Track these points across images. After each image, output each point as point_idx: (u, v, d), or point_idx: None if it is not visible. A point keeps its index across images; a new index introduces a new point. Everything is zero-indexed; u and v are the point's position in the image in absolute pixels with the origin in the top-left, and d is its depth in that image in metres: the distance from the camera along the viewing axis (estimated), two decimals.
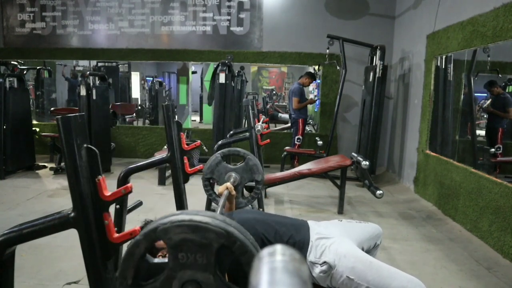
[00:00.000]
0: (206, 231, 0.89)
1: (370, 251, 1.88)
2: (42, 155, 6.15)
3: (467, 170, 3.56)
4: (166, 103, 2.39)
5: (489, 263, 2.86)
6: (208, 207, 3.15)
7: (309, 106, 7.08)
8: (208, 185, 2.19)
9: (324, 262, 1.58)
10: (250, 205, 3.12)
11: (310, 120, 7.71)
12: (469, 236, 3.37)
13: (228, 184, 1.91)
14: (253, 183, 2.20)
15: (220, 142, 4.00)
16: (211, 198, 2.21)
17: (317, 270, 1.59)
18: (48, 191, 4.46)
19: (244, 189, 4.28)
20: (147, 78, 10.01)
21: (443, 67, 4.40)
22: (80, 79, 5.43)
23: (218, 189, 1.98)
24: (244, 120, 6.94)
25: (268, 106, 10.68)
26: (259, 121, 4.04)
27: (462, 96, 4.45)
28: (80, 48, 6.50)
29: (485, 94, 4.73)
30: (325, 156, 5.08)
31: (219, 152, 2.21)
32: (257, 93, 11.39)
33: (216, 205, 2.02)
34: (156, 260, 1.02)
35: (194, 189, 4.09)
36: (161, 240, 0.93)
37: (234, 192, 1.92)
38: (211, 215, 0.93)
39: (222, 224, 0.91)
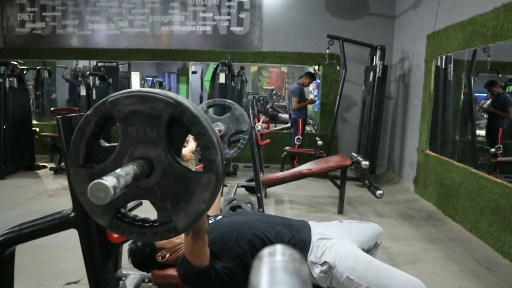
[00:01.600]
0: (154, 101, 0.86)
1: (370, 250, 1.89)
2: (42, 155, 6.15)
3: (467, 170, 3.56)
4: None
5: (489, 263, 2.86)
6: None
7: (309, 106, 7.07)
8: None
9: (325, 262, 1.58)
10: (250, 206, 3.13)
11: (310, 120, 7.71)
12: (469, 236, 3.36)
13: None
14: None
15: None
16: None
17: (317, 270, 1.59)
18: (48, 191, 4.46)
19: (245, 190, 4.30)
20: (147, 78, 10.02)
21: (443, 67, 4.40)
22: (80, 79, 5.43)
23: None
24: None
25: (268, 106, 10.68)
26: (259, 121, 4.04)
27: (462, 96, 4.45)
28: (80, 48, 6.50)
29: (485, 94, 4.73)
30: (325, 156, 5.08)
31: (205, 102, 2.20)
32: (257, 93, 11.37)
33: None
34: (109, 144, 0.97)
35: None
36: (111, 112, 0.89)
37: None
38: (161, 90, 0.90)
39: (171, 94, 0.88)
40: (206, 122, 0.88)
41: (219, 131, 2.02)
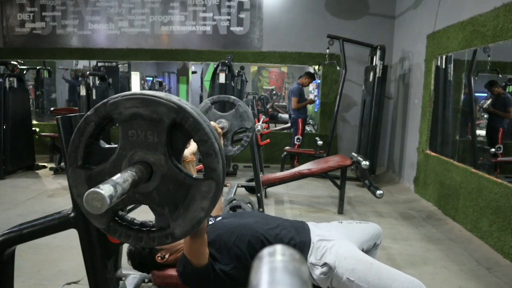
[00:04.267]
0: (157, 105, 0.85)
1: (370, 251, 1.88)
2: (42, 155, 6.15)
3: (467, 170, 3.56)
4: None
5: (489, 263, 2.85)
6: None
7: (309, 106, 7.07)
8: None
9: (325, 264, 1.58)
10: (250, 206, 3.13)
11: (310, 120, 7.70)
12: (469, 236, 3.36)
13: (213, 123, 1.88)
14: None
15: None
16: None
17: (317, 271, 1.59)
18: (48, 191, 4.46)
19: (245, 190, 4.30)
20: (147, 78, 10.01)
21: (443, 67, 4.40)
22: (80, 79, 5.44)
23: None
24: None
25: (268, 106, 10.67)
26: (259, 121, 4.04)
27: (462, 96, 4.45)
28: (80, 48, 6.50)
29: (485, 94, 4.72)
30: (325, 156, 5.08)
31: (209, 98, 2.19)
32: (257, 93, 11.37)
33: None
34: (109, 146, 0.96)
35: None
36: (112, 114, 0.87)
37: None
38: (165, 94, 0.89)
39: (174, 99, 0.86)
40: (209, 128, 0.87)
41: (223, 128, 2.01)
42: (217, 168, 0.86)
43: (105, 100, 0.89)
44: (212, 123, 1.84)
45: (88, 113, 0.90)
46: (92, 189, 0.69)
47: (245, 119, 2.13)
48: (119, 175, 0.77)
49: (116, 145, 0.92)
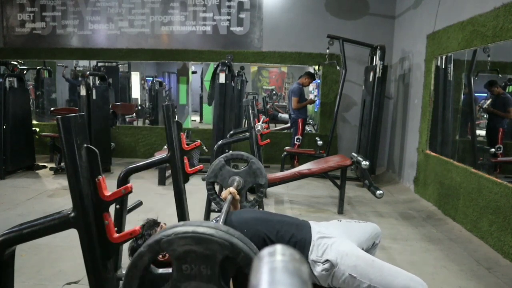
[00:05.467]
0: (209, 243, 0.89)
1: (369, 250, 1.89)
2: (42, 155, 6.15)
3: (467, 170, 3.56)
4: (166, 103, 2.39)
5: (489, 263, 2.86)
6: (208, 208, 3.15)
7: (309, 106, 7.07)
8: (212, 189, 2.17)
9: (326, 261, 1.58)
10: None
11: (310, 120, 7.71)
12: (469, 236, 3.36)
13: (232, 188, 1.91)
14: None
15: (220, 142, 4.00)
16: (215, 202, 2.20)
17: (319, 268, 1.59)
18: (48, 191, 4.46)
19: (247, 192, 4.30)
20: (147, 78, 10.01)
21: (443, 67, 4.40)
22: (80, 79, 5.43)
23: (222, 194, 1.97)
24: (244, 120, 6.94)
25: (268, 106, 10.68)
26: (259, 121, 4.04)
27: (462, 96, 4.45)
28: (80, 48, 6.50)
29: (485, 94, 4.72)
30: (325, 156, 5.08)
31: (222, 156, 2.20)
32: (257, 93, 11.38)
33: (219, 208, 2.01)
34: (161, 270, 1.02)
35: (194, 189, 4.09)
36: (165, 252, 0.92)
37: (238, 197, 1.92)
38: (215, 226, 0.92)
39: (226, 236, 0.90)
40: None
41: (237, 185, 2.03)
42: None
43: (157, 238, 0.92)
44: (232, 189, 1.89)
45: (142, 249, 0.94)
46: None
47: (259, 176, 2.17)
48: None
49: (168, 270, 0.96)
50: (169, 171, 3.69)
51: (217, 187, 2.51)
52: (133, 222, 2.21)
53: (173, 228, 0.92)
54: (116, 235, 1.20)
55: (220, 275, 0.91)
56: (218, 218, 1.56)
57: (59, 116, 1.14)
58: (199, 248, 0.89)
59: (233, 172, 2.16)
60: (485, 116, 4.92)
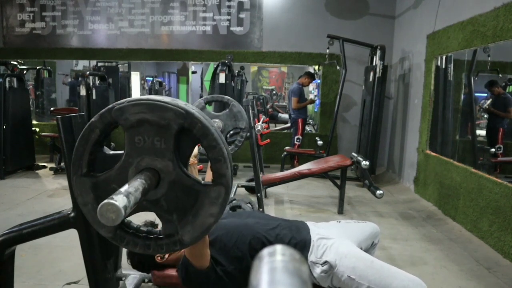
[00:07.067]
0: (164, 110, 0.83)
1: (368, 250, 1.89)
2: (42, 155, 6.15)
3: (467, 170, 3.56)
4: None
5: (489, 263, 2.85)
6: None
7: (309, 106, 7.07)
8: None
9: (325, 262, 1.58)
10: (250, 206, 3.12)
11: (310, 120, 7.70)
12: (469, 236, 3.36)
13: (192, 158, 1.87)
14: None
15: None
16: None
17: (318, 270, 1.59)
18: (48, 191, 4.46)
19: (245, 190, 4.30)
20: (147, 78, 10.00)
21: (443, 67, 4.40)
22: (80, 79, 5.43)
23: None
24: None
25: (268, 106, 10.67)
26: (259, 121, 4.04)
27: (462, 96, 4.45)
28: (80, 48, 6.50)
29: (485, 94, 4.72)
30: (325, 156, 5.08)
31: (203, 98, 2.19)
32: (262, 94, 11.34)
33: None
34: (113, 152, 0.93)
35: None
36: (117, 120, 0.86)
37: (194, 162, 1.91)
38: (172, 98, 0.87)
39: (181, 104, 0.85)
40: (217, 134, 0.85)
41: (218, 127, 2.00)
42: (226, 173, 0.85)
43: (110, 106, 0.87)
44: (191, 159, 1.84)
45: (93, 119, 0.88)
46: (106, 201, 0.67)
47: (239, 119, 2.13)
48: (129, 184, 0.75)
49: (121, 152, 0.90)
50: None
51: None
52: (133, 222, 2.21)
53: (128, 98, 0.87)
54: None
55: (175, 149, 0.85)
56: None
57: (59, 116, 1.14)
58: (152, 116, 0.83)
59: (213, 115, 2.14)
60: (485, 116, 4.92)
